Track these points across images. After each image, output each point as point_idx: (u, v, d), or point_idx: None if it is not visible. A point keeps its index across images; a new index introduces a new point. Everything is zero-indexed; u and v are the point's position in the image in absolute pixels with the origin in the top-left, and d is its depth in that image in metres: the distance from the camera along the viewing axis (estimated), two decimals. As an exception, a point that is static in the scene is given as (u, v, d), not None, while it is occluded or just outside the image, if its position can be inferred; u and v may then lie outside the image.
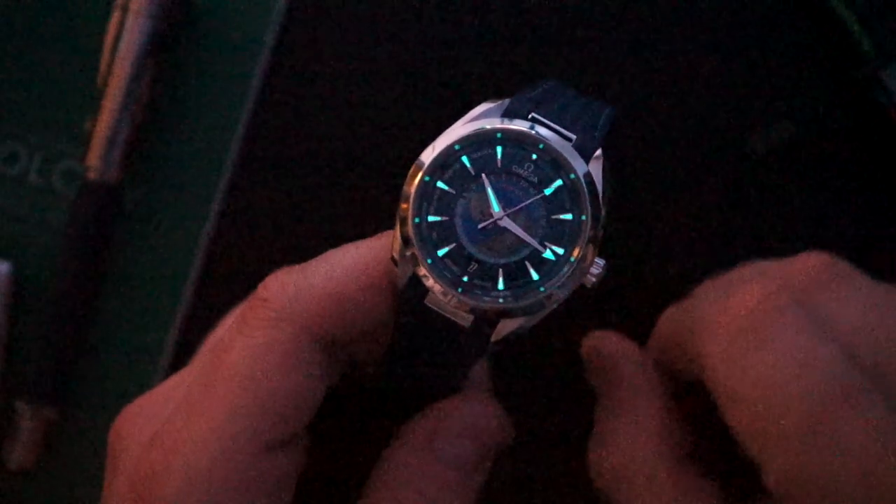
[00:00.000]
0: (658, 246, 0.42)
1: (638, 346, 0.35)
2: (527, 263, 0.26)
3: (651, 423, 0.32)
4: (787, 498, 0.27)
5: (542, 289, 0.26)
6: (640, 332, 0.35)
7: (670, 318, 0.34)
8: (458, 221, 0.27)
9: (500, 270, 0.26)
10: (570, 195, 0.27)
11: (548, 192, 0.27)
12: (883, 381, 0.27)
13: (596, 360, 0.35)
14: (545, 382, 0.42)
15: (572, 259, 0.26)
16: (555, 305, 0.27)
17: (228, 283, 0.44)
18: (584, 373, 0.35)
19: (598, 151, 0.27)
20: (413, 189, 0.27)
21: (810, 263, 0.30)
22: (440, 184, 0.27)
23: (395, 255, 0.27)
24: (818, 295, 0.29)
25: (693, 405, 0.33)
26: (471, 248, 0.27)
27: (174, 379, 0.30)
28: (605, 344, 0.35)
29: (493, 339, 0.27)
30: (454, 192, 0.27)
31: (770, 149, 0.42)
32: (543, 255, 0.26)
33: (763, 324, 0.28)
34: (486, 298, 0.26)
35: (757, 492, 0.29)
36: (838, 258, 0.30)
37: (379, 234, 0.28)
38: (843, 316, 0.29)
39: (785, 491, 0.27)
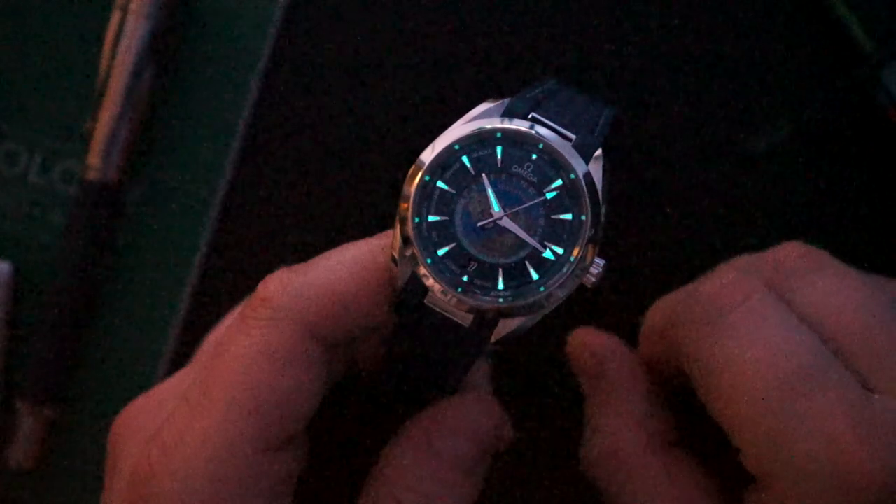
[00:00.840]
0: (658, 246, 0.42)
1: (618, 339, 0.35)
2: (526, 263, 0.26)
3: (635, 412, 0.33)
4: (765, 479, 0.28)
5: (541, 289, 0.26)
6: (639, 332, 0.35)
7: (655, 312, 0.35)
8: (458, 221, 0.27)
9: (500, 270, 0.27)
10: (570, 195, 0.27)
11: (549, 195, 0.27)
12: (853, 361, 0.28)
13: (580, 357, 0.35)
14: (544, 382, 0.42)
15: (572, 259, 0.26)
16: (554, 305, 0.27)
17: (228, 282, 0.44)
18: (571, 369, 0.35)
19: (598, 151, 0.27)
20: (413, 189, 0.27)
21: (786, 252, 0.31)
22: (440, 183, 0.27)
23: (395, 255, 0.27)
24: (792, 281, 0.30)
25: (683, 394, 0.34)
26: (470, 248, 0.27)
27: (174, 379, 0.30)
28: (588, 341, 0.35)
29: (492, 338, 0.27)
30: (454, 192, 0.27)
31: (770, 149, 0.42)
32: (543, 255, 0.26)
33: (730, 309, 0.29)
34: (486, 298, 0.26)
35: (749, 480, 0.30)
36: (815, 247, 0.31)
37: (379, 234, 0.28)
38: (815, 300, 0.30)
39: (761, 473, 0.28)
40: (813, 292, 0.30)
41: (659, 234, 0.42)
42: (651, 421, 0.32)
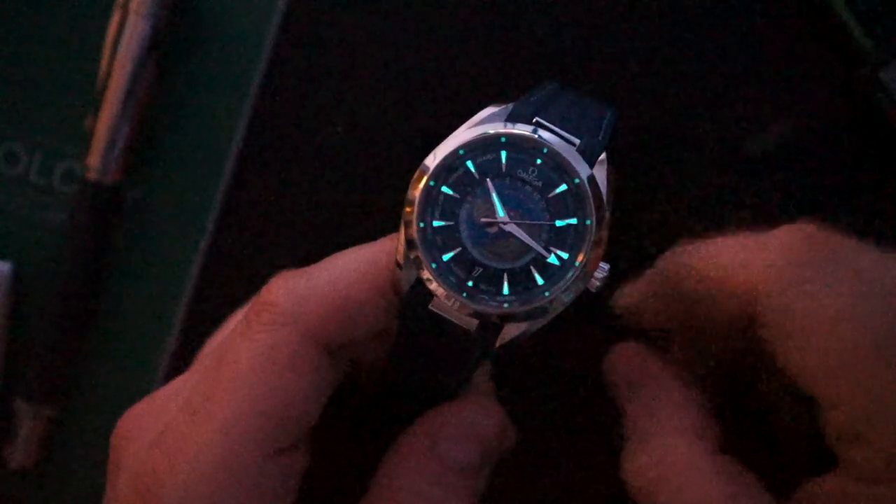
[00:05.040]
0: (658, 248, 0.42)
1: (654, 351, 0.34)
2: (531, 268, 0.27)
3: (687, 418, 0.31)
4: (866, 432, 0.27)
5: (546, 293, 0.26)
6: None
7: (690, 254, 0.33)
8: (462, 226, 0.27)
9: (505, 275, 0.27)
10: (575, 199, 0.27)
11: (559, 224, 0.27)
12: None
13: (620, 370, 0.34)
14: (549, 387, 0.42)
15: (577, 263, 0.26)
16: (559, 310, 0.27)
17: (228, 282, 0.44)
18: (607, 390, 0.34)
19: (603, 155, 0.27)
20: (418, 193, 0.27)
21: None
22: (445, 188, 0.27)
23: (400, 260, 0.27)
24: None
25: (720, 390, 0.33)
26: (475, 253, 0.27)
27: (176, 382, 0.30)
28: (623, 357, 0.34)
29: (497, 343, 0.27)
30: (459, 197, 0.27)
31: (769, 149, 0.42)
32: (548, 260, 0.26)
33: (812, 256, 0.28)
34: (491, 303, 0.26)
35: (793, 480, 0.29)
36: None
37: (383, 238, 0.28)
38: None
39: (862, 424, 0.27)
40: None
41: (659, 234, 0.42)
42: (699, 425, 0.31)
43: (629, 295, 0.36)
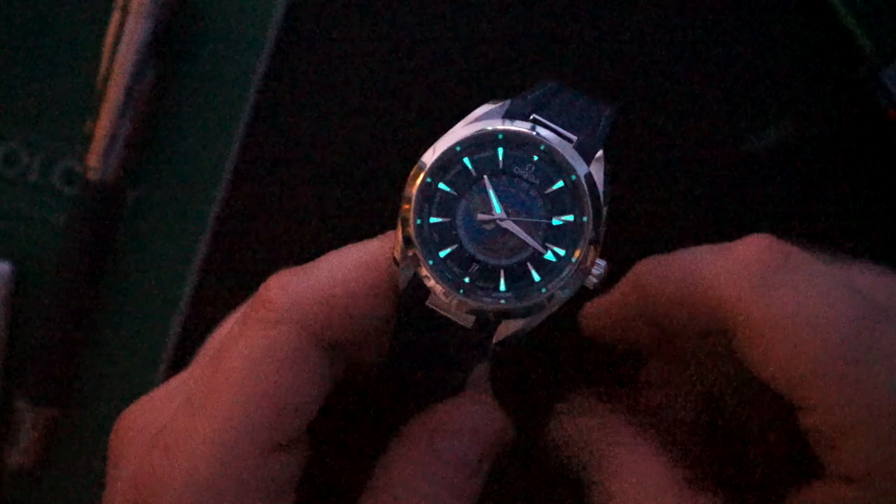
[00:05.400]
0: (658, 247, 0.42)
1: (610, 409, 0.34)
2: (528, 265, 0.27)
3: (652, 472, 0.31)
4: (843, 430, 0.27)
5: (543, 290, 0.26)
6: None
7: (655, 269, 0.33)
8: (459, 223, 0.27)
9: (502, 272, 0.27)
10: (572, 196, 0.27)
11: (556, 222, 0.27)
12: None
13: (574, 447, 0.33)
14: (546, 384, 0.42)
15: (574, 260, 0.26)
16: (556, 307, 0.27)
17: (228, 282, 0.44)
18: (564, 458, 0.34)
19: (600, 152, 0.27)
20: (414, 190, 0.27)
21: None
22: (442, 185, 0.27)
23: (397, 257, 0.27)
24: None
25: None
26: (472, 250, 0.27)
27: (175, 380, 0.31)
28: (580, 426, 0.34)
29: (494, 340, 0.27)
30: (456, 194, 0.27)
31: (770, 149, 0.42)
32: (545, 257, 0.27)
33: (778, 266, 0.29)
34: (488, 300, 0.26)
35: (776, 495, 0.29)
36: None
37: (381, 236, 0.28)
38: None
39: (839, 423, 0.27)
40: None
41: (660, 234, 0.42)
42: (673, 471, 0.30)
43: (595, 314, 0.36)
